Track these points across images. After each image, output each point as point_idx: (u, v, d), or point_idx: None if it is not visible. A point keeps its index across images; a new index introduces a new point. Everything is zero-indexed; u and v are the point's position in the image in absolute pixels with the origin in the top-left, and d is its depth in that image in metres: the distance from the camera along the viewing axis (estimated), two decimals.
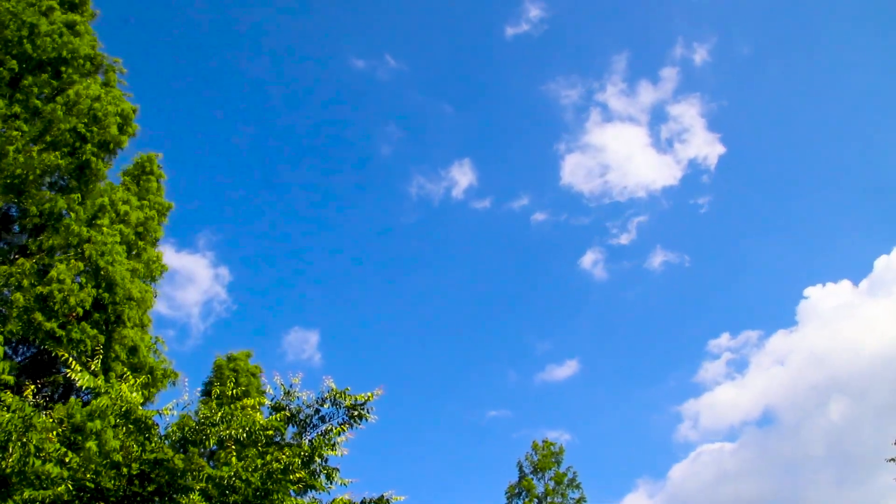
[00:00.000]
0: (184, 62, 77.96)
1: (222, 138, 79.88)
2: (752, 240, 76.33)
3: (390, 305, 77.06)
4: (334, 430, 11.77)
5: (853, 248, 71.80)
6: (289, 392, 12.16)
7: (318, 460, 11.55)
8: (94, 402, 10.76)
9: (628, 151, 72.72)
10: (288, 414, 12.06)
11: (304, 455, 11.29)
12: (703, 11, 77.24)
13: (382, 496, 11.96)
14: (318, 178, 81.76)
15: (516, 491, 36.10)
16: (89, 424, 12.89)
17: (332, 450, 11.65)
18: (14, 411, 9.55)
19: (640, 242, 75.06)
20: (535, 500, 35.29)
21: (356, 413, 11.92)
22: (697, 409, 65.49)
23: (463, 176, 76.93)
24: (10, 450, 9.46)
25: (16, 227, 17.16)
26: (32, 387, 11.12)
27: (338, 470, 11.76)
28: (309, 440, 11.82)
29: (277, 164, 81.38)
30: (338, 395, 11.92)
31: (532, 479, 36.21)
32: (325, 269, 77.74)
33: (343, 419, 11.96)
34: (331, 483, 11.73)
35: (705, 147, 73.14)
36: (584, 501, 35.12)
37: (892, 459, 20.31)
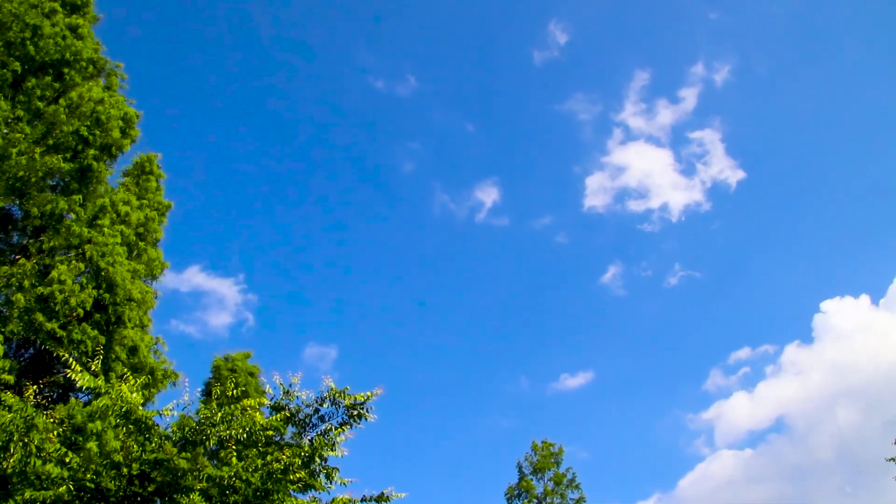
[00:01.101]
0: (206, 83, 78.22)
1: (243, 156, 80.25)
2: (770, 256, 76.73)
3: (408, 320, 76.94)
4: (334, 430, 11.81)
5: (872, 263, 71.90)
6: (288, 392, 12.17)
7: (318, 460, 11.58)
8: (94, 402, 10.81)
9: (649, 171, 72.97)
10: (287, 413, 12.09)
11: (304, 455, 11.31)
12: (724, 32, 77.43)
13: (383, 493, 11.96)
14: (338, 195, 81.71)
15: (516, 492, 36.13)
16: (90, 425, 12.94)
17: (332, 450, 11.68)
18: (15, 412, 9.60)
19: (659, 260, 75.48)
20: (535, 501, 35.32)
21: (356, 413, 11.95)
22: (712, 419, 65.66)
23: (485, 194, 77.79)
24: (12, 450, 9.49)
25: (17, 229, 17.22)
26: (34, 387, 11.16)
27: (337, 470, 11.78)
28: (309, 440, 11.85)
29: (297, 181, 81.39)
30: (337, 394, 11.94)
31: (531, 479, 36.23)
32: (344, 285, 77.79)
33: (343, 419, 12.00)
34: (331, 483, 11.76)
35: (726, 169, 73.56)
36: (584, 502, 35.16)
37: (892, 459, 20.38)
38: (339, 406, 12.04)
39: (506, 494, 36.26)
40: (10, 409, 9.62)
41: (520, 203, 78.94)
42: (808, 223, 77.00)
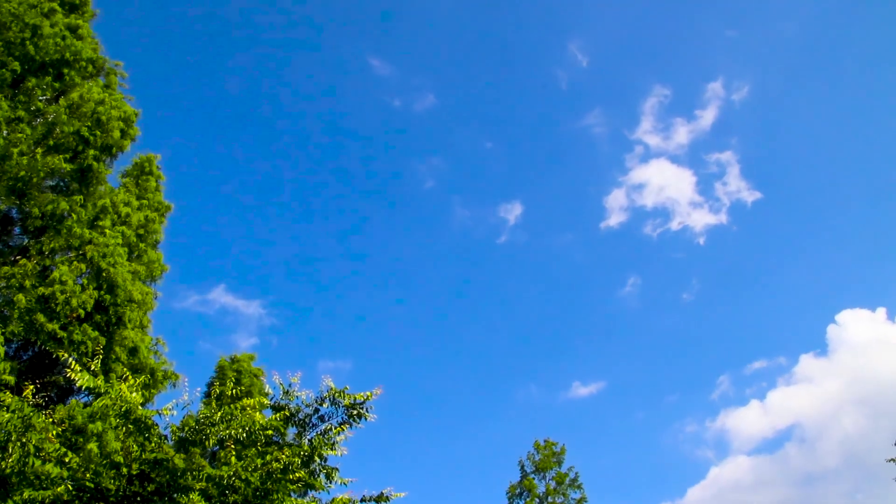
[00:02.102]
0: (218, 91, 78.33)
1: (261, 172, 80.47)
2: (786, 270, 77.04)
3: (425, 331, 76.95)
4: (333, 430, 11.79)
5: (891, 277, 71.92)
6: (287, 391, 12.17)
7: (318, 460, 11.58)
8: (95, 403, 10.82)
9: (667, 189, 73.58)
10: (287, 413, 12.08)
11: (304, 455, 11.31)
12: (740, 49, 77.72)
13: (382, 493, 11.96)
14: (356, 208, 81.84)
15: (517, 490, 36.08)
16: (91, 426, 12.96)
17: (332, 449, 11.68)
18: (14, 411, 9.60)
19: (676, 275, 76.12)
20: (537, 500, 35.27)
21: (355, 412, 11.95)
22: (725, 427, 65.93)
23: (505, 211, 78.07)
24: (10, 450, 9.49)
25: (17, 230, 17.23)
26: (32, 386, 11.15)
27: (337, 469, 11.78)
28: (308, 440, 11.85)
29: (314, 194, 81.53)
30: (336, 394, 11.92)
31: (533, 478, 36.17)
32: (361, 301, 77.84)
33: (342, 419, 11.99)
34: (330, 482, 11.75)
35: (743, 189, 74.34)
36: (586, 502, 35.09)
37: (892, 460, 20.34)
38: (339, 406, 12.03)
39: (507, 493, 36.23)
40: (8, 408, 9.62)
41: (539, 220, 79.58)
42: (824, 237, 77.24)
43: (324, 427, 11.99)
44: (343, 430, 11.87)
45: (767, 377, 72.59)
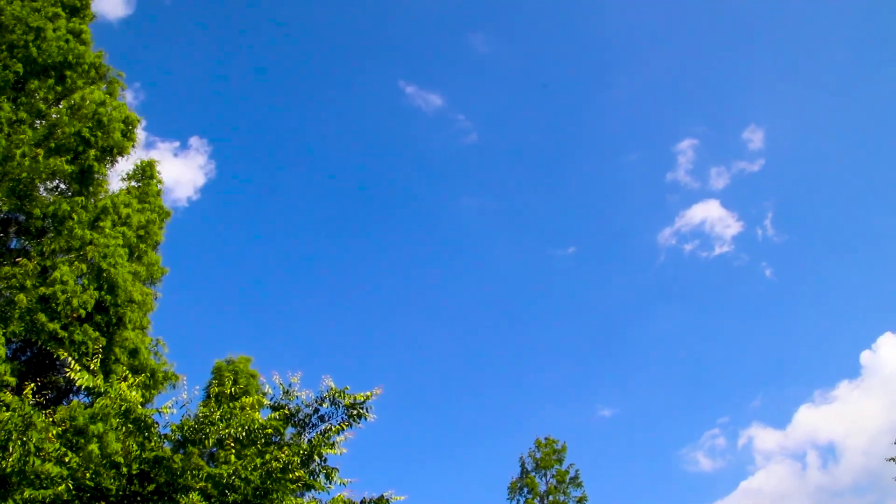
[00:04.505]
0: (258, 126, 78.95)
1: (303, 200, 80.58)
2: (823, 300, 77.08)
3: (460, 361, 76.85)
4: (333, 430, 11.77)
5: None
6: (287, 391, 12.11)
7: (318, 459, 11.60)
8: (96, 403, 10.90)
9: (708, 227, 74.50)
10: (287, 412, 12.09)
11: (303, 454, 11.34)
12: (777, 94, 78.14)
13: (382, 496, 11.98)
14: (393, 240, 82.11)
15: (518, 487, 36.18)
16: (91, 427, 13.08)
17: (332, 448, 11.71)
18: (13, 410, 9.68)
19: (714, 304, 76.85)
20: (537, 498, 35.31)
21: (355, 412, 11.94)
22: (752, 442, 66.49)
23: (550, 248, 78.42)
24: (10, 449, 9.56)
25: (18, 230, 17.37)
26: (31, 385, 11.24)
27: (337, 469, 11.79)
28: (308, 439, 11.89)
29: (350, 223, 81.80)
30: (337, 394, 11.89)
31: (534, 476, 36.18)
32: (396, 331, 77.79)
33: (342, 418, 11.97)
34: (330, 482, 11.78)
35: (781, 221, 74.92)
36: (586, 500, 35.14)
37: (892, 459, 20.34)
38: (339, 406, 12.03)
39: (508, 490, 36.29)
40: (8, 407, 9.71)
41: (587, 258, 79.82)
42: (852, 272, 77.39)
43: (324, 427, 11.97)
44: (343, 429, 11.84)
45: (800, 400, 73.36)
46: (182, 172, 64.50)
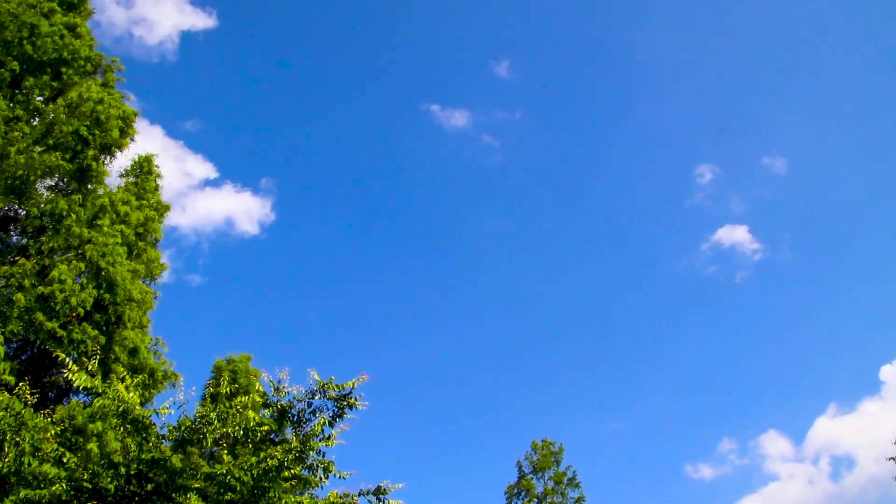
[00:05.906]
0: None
1: (323, 211, 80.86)
2: (841, 317, 77.96)
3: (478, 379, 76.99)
4: (326, 422, 11.65)
5: None
6: (278, 388, 12.00)
7: (312, 454, 11.50)
8: (94, 403, 10.79)
9: (729, 247, 75.62)
10: (280, 407, 11.96)
11: (297, 449, 11.23)
12: (789, 124, 79.35)
13: (379, 486, 11.86)
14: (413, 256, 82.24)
15: (515, 491, 36.05)
16: (91, 426, 12.94)
17: (327, 441, 11.60)
18: (5, 409, 9.55)
19: (733, 324, 77.51)
20: (535, 500, 35.26)
21: (345, 403, 11.83)
22: (764, 452, 67.12)
23: (567, 272, 78.71)
24: (6, 449, 9.45)
25: (17, 229, 17.20)
26: (23, 384, 11.06)
27: (333, 463, 11.72)
28: (302, 435, 11.78)
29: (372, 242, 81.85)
30: (324, 385, 11.78)
31: (531, 478, 36.09)
32: (415, 349, 77.78)
33: (333, 411, 11.88)
34: (326, 477, 11.66)
35: (799, 236, 76.56)
36: (584, 501, 35.10)
37: (892, 459, 20.40)
38: (328, 398, 11.94)
39: (505, 493, 36.20)
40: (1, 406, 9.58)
41: (604, 282, 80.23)
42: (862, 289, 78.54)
43: (318, 421, 11.88)
44: (335, 422, 11.73)
45: (817, 412, 74.07)
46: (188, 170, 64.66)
